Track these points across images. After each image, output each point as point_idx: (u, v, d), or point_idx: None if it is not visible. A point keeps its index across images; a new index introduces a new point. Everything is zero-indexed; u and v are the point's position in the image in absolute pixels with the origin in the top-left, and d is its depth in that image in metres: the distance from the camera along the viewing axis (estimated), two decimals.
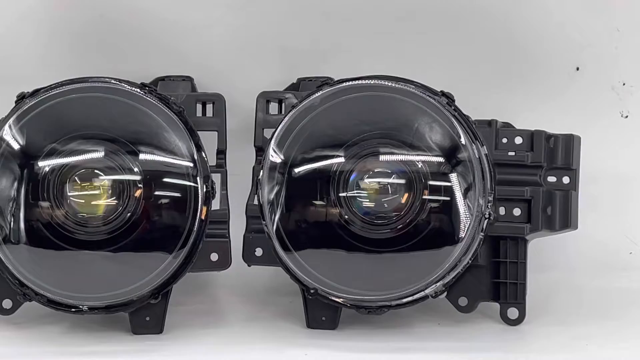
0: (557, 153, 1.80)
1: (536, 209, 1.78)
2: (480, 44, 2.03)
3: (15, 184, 1.68)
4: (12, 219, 1.68)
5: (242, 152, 1.89)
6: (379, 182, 1.72)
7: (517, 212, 1.79)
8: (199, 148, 1.72)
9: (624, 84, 2.05)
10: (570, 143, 1.81)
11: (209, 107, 1.82)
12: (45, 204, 1.68)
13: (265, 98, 1.84)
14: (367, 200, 1.72)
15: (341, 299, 1.73)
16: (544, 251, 1.94)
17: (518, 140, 1.80)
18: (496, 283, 1.80)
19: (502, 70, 2.04)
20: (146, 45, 1.99)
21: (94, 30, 1.97)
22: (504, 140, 1.80)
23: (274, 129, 1.76)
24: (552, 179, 1.81)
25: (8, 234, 1.67)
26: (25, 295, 1.70)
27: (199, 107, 1.81)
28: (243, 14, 1.99)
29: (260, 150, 1.83)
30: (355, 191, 1.73)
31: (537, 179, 1.80)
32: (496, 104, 2.03)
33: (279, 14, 1.99)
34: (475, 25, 2.02)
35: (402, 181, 1.72)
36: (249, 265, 1.80)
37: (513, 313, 1.80)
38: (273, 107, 1.85)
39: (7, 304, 1.75)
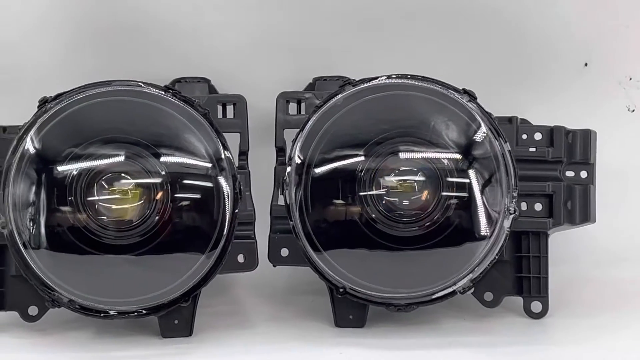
0: (576, 148, 1.83)
1: (558, 203, 1.81)
2: (489, 41, 2.05)
3: (42, 190, 1.66)
4: (40, 225, 1.66)
5: (257, 153, 1.90)
6: (405, 180, 1.73)
7: (538, 207, 1.82)
8: (226, 149, 1.72)
9: (630, 79, 2.09)
10: (588, 138, 1.84)
11: (229, 108, 1.82)
12: (72, 208, 1.66)
13: (285, 98, 1.84)
14: (394, 198, 1.74)
15: (371, 297, 1.74)
16: (560, 245, 1.96)
17: (537, 136, 1.83)
18: (519, 277, 1.83)
19: (512, 66, 2.06)
20: (159, 47, 1.98)
21: (109, 34, 1.96)
22: (524, 136, 1.82)
23: (298, 130, 1.77)
24: (570, 173, 1.84)
25: (35, 240, 1.66)
26: (55, 301, 1.69)
27: (219, 108, 1.82)
28: (256, 14, 1.99)
29: (281, 151, 1.84)
30: (382, 190, 1.74)
31: (557, 174, 1.82)
32: (505, 99, 2.04)
33: (290, 14, 2.00)
34: (484, 23, 2.04)
35: (429, 179, 1.73)
36: (274, 266, 1.80)
37: (536, 307, 1.82)
38: (291, 108, 1.86)
39: (32, 310, 1.74)
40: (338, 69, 1.97)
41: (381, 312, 1.78)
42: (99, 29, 1.96)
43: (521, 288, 1.83)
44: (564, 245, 1.97)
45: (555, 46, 2.05)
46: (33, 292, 1.71)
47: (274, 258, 1.79)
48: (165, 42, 1.98)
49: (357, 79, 1.78)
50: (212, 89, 1.90)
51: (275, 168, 1.83)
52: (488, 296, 1.81)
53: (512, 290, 1.82)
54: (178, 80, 1.91)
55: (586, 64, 2.06)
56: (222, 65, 2.01)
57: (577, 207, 1.82)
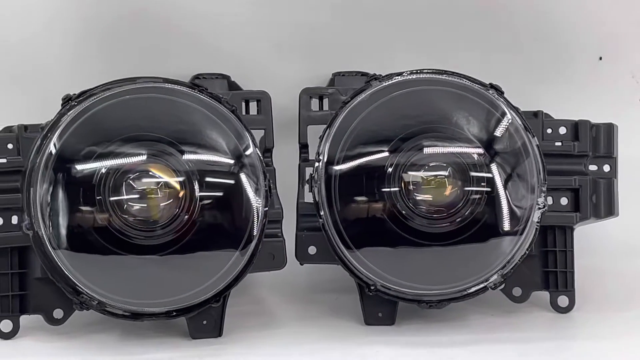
0: (600, 142, 1.83)
1: (584, 197, 1.81)
2: (504, 36, 2.05)
3: (69, 190, 1.62)
4: (67, 226, 1.62)
5: (276, 150, 1.87)
6: (435, 176, 1.72)
7: (564, 201, 1.82)
8: (255, 146, 1.69)
9: None
10: (611, 132, 1.84)
11: (252, 104, 1.79)
12: (100, 208, 1.62)
13: (308, 94, 1.82)
14: (424, 194, 1.72)
15: (402, 294, 1.73)
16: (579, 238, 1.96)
17: (562, 130, 1.82)
18: (545, 272, 1.82)
19: (527, 60, 2.06)
20: (176, 43, 1.95)
21: (125, 29, 1.93)
22: (549, 130, 1.82)
23: (325, 126, 1.74)
24: (593, 167, 1.84)
25: (63, 242, 1.62)
26: (83, 303, 1.65)
27: (242, 104, 1.78)
28: (272, 10, 1.97)
29: (305, 147, 1.82)
30: (411, 186, 1.72)
31: (583, 168, 1.82)
32: (520, 93, 2.01)
33: (305, 9, 1.98)
34: (500, 17, 2.04)
35: (458, 174, 1.72)
36: (301, 264, 1.77)
37: (563, 301, 1.82)
38: (313, 104, 1.83)
39: (58, 313, 1.70)
40: (355, 64, 1.97)
41: (408, 309, 1.77)
42: (116, 25, 1.92)
43: (547, 283, 1.83)
44: (583, 239, 1.97)
45: (571, 41, 2.05)
46: (58, 294, 1.68)
47: (302, 256, 1.77)
48: (182, 38, 1.95)
49: (382, 75, 1.77)
50: (232, 85, 1.88)
51: (299, 165, 1.81)
52: (517, 291, 1.81)
53: (540, 285, 1.82)
54: (197, 77, 1.89)
55: (600, 58, 2.07)
56: (236, 62, 1.98)
57: (602, 200, 1.83)
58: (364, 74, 1.93)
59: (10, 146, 1.68)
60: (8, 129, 1.74)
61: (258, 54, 1.99)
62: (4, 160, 1.67)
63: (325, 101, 1.82)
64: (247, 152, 1.67)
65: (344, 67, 1.98)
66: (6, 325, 1.69)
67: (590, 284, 1.91)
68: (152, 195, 1.64)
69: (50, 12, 1.90)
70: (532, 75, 2.06)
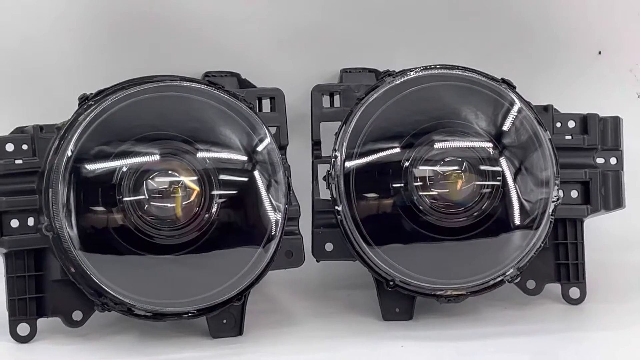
0: (607, 135, 1.86)
1: (595, 190, 1.83)
2: (505, 30, 2.06)
3: (88, 190, 1.60)
4: (87, 227, 1.60)
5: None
6: (452, 170, 1.73)
7: (574, 194, 1.84)
8: (275, 142, 1.69)
9: None
10: (617, 125, 1.87)
11: (265, 102, 1.79)
12: (121, 208, 1.61)
13: (320, 91, 1.82)
14: (442, 189, 1.73)
15: (421, 289, 1.73)
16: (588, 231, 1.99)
17: (571, 124, 1.84)
18: (557, 264, 1.84)
19: (527, 54, 2.08)
20: (182, 41, 1.93)
21: (134, 28, 1.91)
22: (558, 124, 1.84)
23: (341, 123, 1.74)
24: (600, 160, 1.86)
25: (83, 242, 1.59)
26: (104, 305, 1.63)
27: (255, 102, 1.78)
28: (280, 6, 1.96)
29: (317, 144, 1.82)
30: (428, 181, 1.72)
31: (592, 161, 1.85)
32: (519, 87, 2.05)
33: (313, 5, 1.98)
34: (499, 11, 2.05)
35: (475, 168, 1.72)
36: (317, 261, 1.78)
37: (575, 293, 1.84)
38: (324, 100, 1.83)
39: (77, 315, 1.68)
40: (360, 61, 1.98)
41: (422, 304, 1.78)
42: (124, 25, 1.90)
43: (559, 275, 1.85)
44: (588, 231, 1.99)
45: (570, 35, 2.07)
46: (77, 296, 1.66)
47: (319, 253, 1.77)
48: (187, 36, 1.94)
49: (395, 71, 1.78)
50: (242, 83, 1.87)
51: (312, 162, 1.81)
52: (530, 284, 1.83)
53: (552, 277, 1.84)
54: (206, 75, 1.88)
55: (600, 52, 2.10)
56: (241, 59, 1.98)
57: (611, 193, 1.85)
58: (371, 71, 1.94)
59: (25, 147, 1.65)
60: (20, 130, 1.71)
61: (263, 52, 1.98)
62: (20, 162, 1.65)
63: (336, 98, 1.83)
64: (267, 150, 1.67)
65: (349, 64, 1.99)
66: (23, 329, 1.67)
67: (598, 276, 1.94)
68: (174, 195, 1.63)
69: (58, 11, 1.87)
70: (531, 70, 2.08)
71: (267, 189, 1.66)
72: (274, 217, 1.66)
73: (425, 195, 1.73)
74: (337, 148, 1.73)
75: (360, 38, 2.00)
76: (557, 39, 2.07)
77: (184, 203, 1.63)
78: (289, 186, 1.69)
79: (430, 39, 2.04)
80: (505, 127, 1.74)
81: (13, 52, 1.89)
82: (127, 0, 1.90)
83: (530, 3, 2.05)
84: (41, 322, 1.69)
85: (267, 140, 1.67)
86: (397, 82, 1.74)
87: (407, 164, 1.72)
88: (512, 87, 1.77)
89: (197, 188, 1.64)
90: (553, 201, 1.75)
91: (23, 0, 1.87)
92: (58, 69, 1.90)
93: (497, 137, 1.74)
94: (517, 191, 1.73)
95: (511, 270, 1.74)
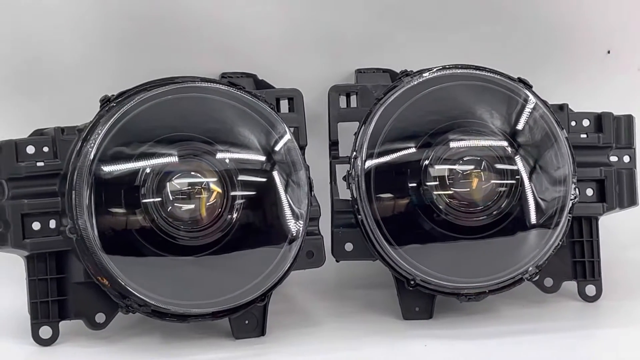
0: (621, 133, 1.87)
1: (610, 188, 1.85)
2: (514, 28, 2.07)
3: (111, 192, 1.60)
4: (110, 228, 1.60)
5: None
6: (472, 169, 1.74)
7: (589, 192, 1.86)
8: (297, 142, 1.70)
9: None
10: (631, 123, 1.88)
11: (283, 102, 1.79)
12: (144, 210, 1.60)
13: (337, 92, 1.82)
14: (462, 188, 1.73)
15: (442, 288, 1.74)
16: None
17: (585, 122, 1.86)
18: (573, 262, 1.86)
19: (538, 53, 2.08)
20: (198, 42, 1.93)
21: (149, 30, 1.90)
22: (573, 123, 1.85)
23: (360, 123, 1.75)
24: (613, 158, 1.88)
25: (107, 244, 1.59)
26: (129, 307, 1.63)
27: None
28: (293, 7, 1.96)
29: (335, 144, 1.82)
30: (447, 180, 1.73)
31: (606, 159, 1.86)
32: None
33: (326, 6, 1.98)
34: (509, 10, 2.06)
35: (493, 167, 1.73)
36: (337, 261, 1.78)
37: (591, 290, 1.86)
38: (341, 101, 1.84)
39: (100, 318, 1.67)
40: (374, 61, 1.99)
41: (439, 302, 1.78)
42: (139, 27, 1.90)
43: (575, 272, 1.87)
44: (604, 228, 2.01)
45: (579, 34, 2.09)
46: (99, 298, 1.66)
47: (339, 253, 1.77)
48: (204, 37, 1.93)
49: (413, 71, 1.79)
50: (259, 84, 1.87)
51: (330, 162, 1.82)
52: (548, 282, 1.84)
53: (569, 275, 1.85)
54: (223, 76, 1.88)
55: (609, 51, 2.11)
56: (254, 60, 1.98)
57: (625, 190, 1.87)
58: (385, 71, 1.95)
59: (46, 149, 1.65)
60: (39, 132, 1.71)
61: (276, 53, 1.97)
62: (42, 164, 1.64)
63: (353, 98, 1.84)
64: (288, 149, 1.67)
65: (362, 65, 1.99)
66: (45, 332, 1.67)
67: (614, 273, 1.95)
68: (198, 196, 1.63)
69: (76, 14, 1.86)
70: (540, 69, 2.08)
71: (290, 190, 1.66)
72: (296, 217, 1.66)
73: (445, 194, 1.73)
74: (357, 148, 1.74)
75: (374, 38, 2.00)
76: (566, 39, 2.08)
77: (207, 204, 1.64)
78: (310, 187, 1.70)
79: (443, 39, 2.04)
80: (524, 127, 1.75)
81: (31, 54, 1.88)
82: (144, 3, 1.89)
83: (539, 3, 2.07)
84: (62, 324, 1.68)
85: (289, 140, 1.67)
86: (415, 83, 1.75)
87: (426, 162, 1.73)
88: (528, 86, 1.79)
89: (219, 189, 1.65)
90: (571, 199, 1.77)
91: (42, 4, 1.86)
92: (75, 72, 1.88)
93: (518, 136, 1.75)
94: (536, 190, 1.75)
95: (531, 269, 1.75)
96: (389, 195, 1.72)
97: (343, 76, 1.99)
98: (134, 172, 1.61)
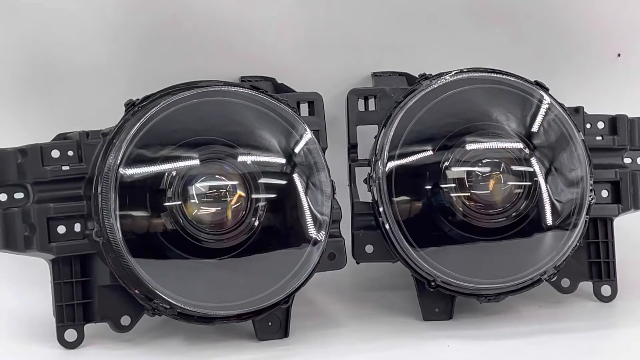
0: (635, 135, 1.90)
1: (625, 189, 1.87)
2: (525, 31, 2.09)
3: (137, 195, 1.61)
4: (136, 231, 1.61)
5: None
6: (491, 171, 1.76)
7: (605, 193, 1.88)
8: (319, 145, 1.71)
9: None
10: None
11: (303, 106, 1.80)
12: (169, 213, 1.62)
13: (356, 95, 1.84)
14: (481, 190, 1.75)
15: (462, 289, 1.76)
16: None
17: (600, 125, 1.88)
18: (588, 262, 1.88)
19: (549, 56, 2.10)
20: (215, 45, 1.94)
21: (169, 35, 1.92)
22: (588, 125, 1.88)
23: (380, 126, 1.77)
24: (627, 160, 1.90)
25: (133, 247, 1.60)
26: (155, 309, 1.64)
27: None
28: (311, 10, 1.98)
29: (354, 147, 1.84)
30: (467, 182, 1.75)
31: (621, 161, 1.89)
32: None
33: (345, 10, 2.00)
34: (520, 14, 2.08)
35: (512, 169, 1.75)
36: (357, 263, 1.80)
37: (606, 290, 1.88)
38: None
39: (125, 320, 1.68)
40: (390, 65, 2.01)
41: (457, 303, 1.80)
42: (161, 31, 1.91)
43: (591, 273, 1.89)
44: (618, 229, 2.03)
45: (591, 38, 2.11)
46: (125, 301, 1.67)
47: (359, 255, 1.79)
48: (214, 41, 1.94)
49: (432, 74, 1.81)
50: (278, 88, 1.88)
51: (349, 165, 1.83)
52: (565, 282, 1.86)
53: (586, 276, 1.88)
54: (242, 80, 1.89)
55: (619, 55, 2.14)
56: (270, 64, 1.99)
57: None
58: (401, 74, 1.96)
59: (71, 153, 1.66)
60: (62, 136, 1.72)
61: (292, 56, 1.99)
62: (67, 168, 1.65)
63: (370, 101, 1.85)
64: (311, 151, 1.69)
65: (377, 68, 2.01)
66: (71, 335, 1.67)
67: (628, 273, 1.97)
68: (223, 199, 1.65)
69: (97, 20, 1.88)
70: (552, 72, 2.10)
71: (311, 192, 1.68)
72: (319, 219, 1.68)
73: (465, 196, 1.75)
74: (377, 151, 1.76)
75: (389, 41, 2.02)
76: (577, 43, 2.11)
77: (233, 207, 1.65)
78: (333, 188, 1.71)
79: (457, 43, 2.06)
80: (542, 130, 1.78)
81: (52, 59, 1.89)
82: (163, 7, 1.90)
83: (552, 7, 2.09)
84: (87, 327, 1.69)
85: (310, 140, 1.69)
86: (435, 86, 1.77)
87: (446, 164, 1.75)
88: (545, 89, 1.81)
89: (244, 192, 1.66)
90: (589, 201, 1.79)
91: (62, 6, 1.87)
92: (95, 75, 1.89)
93: (535, 139, 1.77)
94: (554, 192, 1.77)
95: (549, 269, 1.77)
96: (410, 197, 1.74)
97: (358, 79, 2.01)
98: (160, 176, 1.63)
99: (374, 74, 1.97)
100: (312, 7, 1.98)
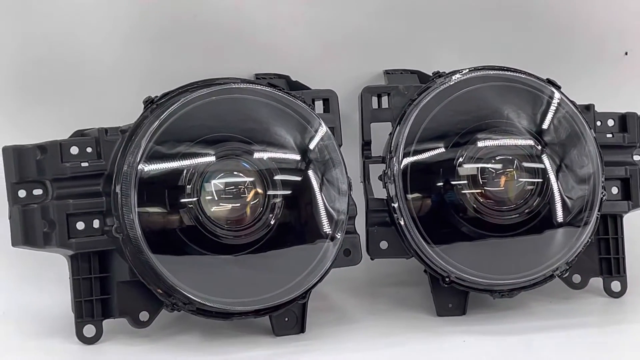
0: None
1: (635, 186, 1.90)
2: (532, 29, 2.10)
3: (156, 192, 1.62)
4: (156, 227, 1.62)
5: None
6: (505, 168, 1.78)
7: (615, 190, 1.90)
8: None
9: None
10: None
11: (317, 103, 1.82)
12: (188, 209, 1.63)
13: (370, 92, 1.86)
14: (494, 187, 1.77)
15: (476, 285, 1.78)
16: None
17: (610, 122, 1.91)
18: (598, 258, 1.90)
19: (555, 54, 2.12)
20: (229, 43, 1.95)
21: (184, 32, 1.92)
22: (598, 123, 1.90)
23: (395, 123, 1.79)
24: (637, 157, 1.93)
25: (153, 243, 1.61)
26: (174, 305, 1.65)
27: None
28: (323, 8, 1.99)
29: (367, 144, 1.85)
30: (481, 179, 1.77)
31: (631, 158, 1.91)
32: None
33: (358, 7, 2.01)
34: (527, 12, 2.10)
35: (525, 166, 1.77)
36: (372, 259, 1.81)
37: (616, 286, 1.90)
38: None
39: (143, 316, 1.70)
40: (401, 62, 2.02)
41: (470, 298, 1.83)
42: (176, 28, 1.92)
43: (601, 269, 1.91)
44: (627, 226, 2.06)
45: (597, 36, 2.13)
46: (143, 297, 1.68)
47: (374, 251, 1.80)
48: (229, 39, 1.95)
49: (445, 72, 1.83)
50: (292, 85, 1.89)
51: (364, 162, 1.85)
52: (576, 278, 1.88)
53: (597, 272, 1.90)
54: (257, 77, 1.90)
55: (626, 53, 2.16)
56: (283, 60, 2.00)
57: None
58: (413, 72, 1.98)
59: (89, 150, 1.67)
60: (80, 133, 1.73)
61: (304, 54, 2.00)
62: (86, 164, 1.66)
63: (384, 99, 1.87)
64: (327, 147, 1.71)
65: (389, 66, 2.02)
66: (89, 330, 1.68)
67: (636, 269, 1.99)
68: (242, 195, 1.66)
69: (113, 17, 1.89)
70: (558, 69, 2.11)
71: (326, 188, 1.69)
72: (335, 215, 1.70)
73: (478, 192, 1.77)
74: (392, 148, 1.77)
75: (402, 39, 2.04)
76: (583, 40, 2.13)
77: (251, 203, 1.66)
78: (349, 185, 1.73)
79: (469, 40, 2.07)
80: (554, 128, 1.80)
81: (65, 56, 1.89)
82: (178, 4, 1.91)
83: (559, 5, 2.11)
84: (104, 323, 1.69)
85: (326, 136, 1.70)
86: (449, 84, 1.78)
87: (460, 161, 1.77)
88: (557, 87, 1.83)
89: (261, 189, 1.67)
90: (600, 198, 1.81)
91: (77, 5, 1.87)
92: (110, 72, 1.90)
93: (548, 136, 1.79)
94: (566, 188, 1.79)
95: (561, 266, 1.79)
96: (425, 194, 1.76)
97: (369, 77, 2.03)
98: (179, 172, 1.64)
99: (386, 72, 1.99)
100: (325, 5, 1.99)
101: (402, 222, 1.75)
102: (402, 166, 1.75)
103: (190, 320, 1.76)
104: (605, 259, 1.90)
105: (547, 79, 1.83)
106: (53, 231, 1.65)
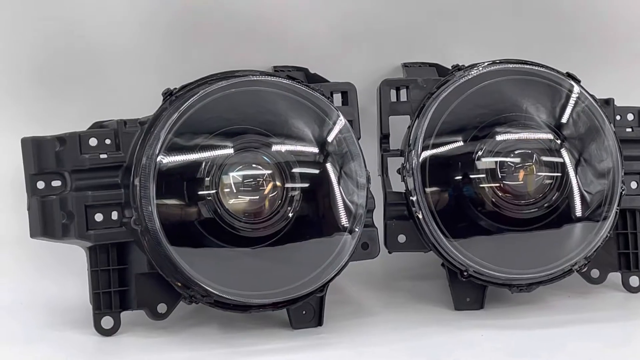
0: None
1: None
2: (552, 23, 2.09)
3: (175, 184, 1.62)
4: (175, 219, 1.62)
5: None
6: (524, 162, 1.77)
7: (634, 185, 1.89)
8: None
9: None
10: None
11: (336, 96, 1.81)
12: (207, 201, 1.63)
13: (389, 85, 1.85)
14: (514, 181, 1.77)
15: (494, 279, 1.77)
16: None
17: (630, 116, 1.90)
18: (617, 253, 1.90)
19: (574, 47, 2.11)
20: (248, 35, 1.95)
21: (202, 25, 1.92)
22: (618, 117, 1.89)
23: (414, 116, 1.78)
24: None
25: (171, 235, 1.61)
26: (192, 297, 1.65)
27: None
28: (343, 1, 1.99)
29: (386, 137, 1.85)
30: (500, 173, 1.76)
31: None
32: None
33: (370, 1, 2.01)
34: (548, 5, 2.09)
35: (544, 160, 1.77)
36: (390, 252, 1.81)
37: (634, 281, 1.90)
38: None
39: (161, 308, 1.69)
40: (419, 55, 2.02)
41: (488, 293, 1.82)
42: (194, 21, 1.91)
43: (619, 264, 1.90)
44: None
45: (618, 30, 2.12)
46: (162, 289, 1.68)
47: (391, 245, 1.80)
48: (247, 31, 1.95)
49: (465, 65, 1.82)
50: (310, 78, 1.89)
51: (382, 155, 1.84)
52: (595, 273, 1.88)
53: (615, 266, 1.89)
54: (275, 69, 1.90)
55: None
56: (300, 53, 2.00)
57: None
58: (432, 65, 1.97)
59: (108, 141, 1.67)
60: (99, 125, 1.73)
61: (322, 46, 2.00)
62: (105, 156, 1.66)
63: (402, 92, 1.87)
64: (345, 139, 1.70)
65: (407, 59, 2.02)
66: (107, 322, 1.69)
67: None
68: (261, 188, 1.66)
69: (130, 6, 1.88)
70: (578, 63, 2.10)
71: (344, 181, 1.69)
72: (354, 208, 1.69)
73: (497, 186, 1.77)
74: (411, 141, 1.77)
75: (421, 32, 2.03)
76: (604, 34, 2.12)
77: (270, 196, 1.66)
78: (368, 178, 1.72)
79: (488, 33, 2.06)
80: (575, 122, 1.79)
81: (89, 49, 1.89)
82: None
83: (576, 3, 2.10)
84: (122, 315, 1.70)
85: (344, 128, 1.70)
86: (468, 77, 1.78)
87: (479, 154, 1.77)
88: (577, 81, 1.82)
89: (280, 182, 1.67)
90: (620, 192, 1.80)
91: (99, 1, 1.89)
92: (128, 63, 1.90)
93: (569, 130, 1.78)
94: (586, 183, 1.78)
95: (580, 260, 1.79)
96: (443, 187, 1.76)
97: (388, 70, 2.02)
98: (197, 165, 1.64)
99: (405, 65, 1.98)
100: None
101: (420, 216, 1.75)
102: (420, 159, 1.75)
103: (208, 313, 1.76)
104: (624, 254, 1.90)
105: (566, 72, 1.83)
106: (71, 222, 1.65)
